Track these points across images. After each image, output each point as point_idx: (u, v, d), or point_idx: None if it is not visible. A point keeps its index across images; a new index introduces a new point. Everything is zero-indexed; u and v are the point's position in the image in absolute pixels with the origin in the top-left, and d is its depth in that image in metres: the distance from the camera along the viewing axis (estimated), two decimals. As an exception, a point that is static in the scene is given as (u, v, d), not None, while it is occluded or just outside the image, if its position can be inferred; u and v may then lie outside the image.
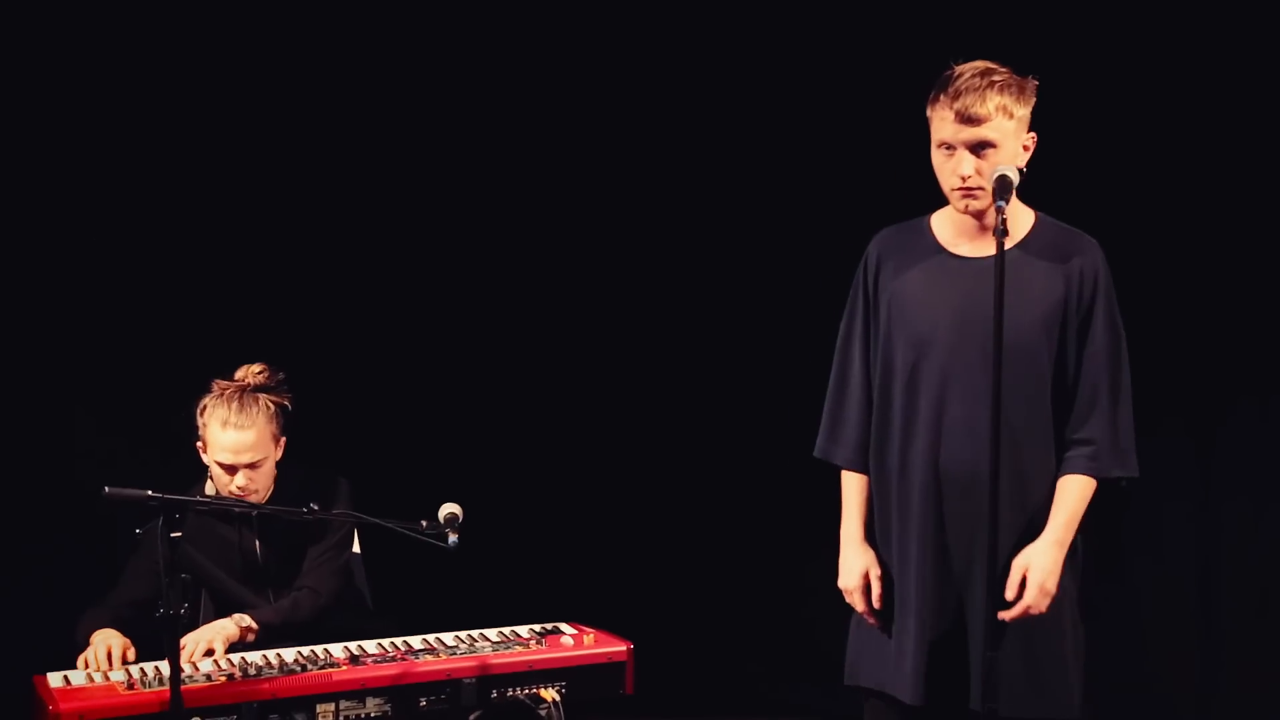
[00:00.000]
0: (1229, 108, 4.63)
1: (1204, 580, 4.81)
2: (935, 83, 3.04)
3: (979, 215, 3.05)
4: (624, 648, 3.57)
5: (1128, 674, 4.85)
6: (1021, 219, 3.10)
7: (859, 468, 3.24)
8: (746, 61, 5.16)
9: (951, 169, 3.00)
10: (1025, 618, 3.00)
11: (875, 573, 3.19)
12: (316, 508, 3.40)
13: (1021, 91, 3.00)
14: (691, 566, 5.34)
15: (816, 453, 3.32)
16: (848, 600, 3.24)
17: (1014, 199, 3.00)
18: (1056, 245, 3.07)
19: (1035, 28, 4.62)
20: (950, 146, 2.99)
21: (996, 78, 2.98)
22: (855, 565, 3.21)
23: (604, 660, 3.54)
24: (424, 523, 3.33)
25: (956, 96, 2.96)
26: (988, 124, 2.96)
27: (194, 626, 3.70)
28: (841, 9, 5.02)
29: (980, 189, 2.99)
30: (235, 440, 3.67)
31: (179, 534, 3.02)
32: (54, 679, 3.29)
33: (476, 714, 3.45)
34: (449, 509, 3.33)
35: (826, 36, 5.08)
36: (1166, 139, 4.68)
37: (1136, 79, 4.69)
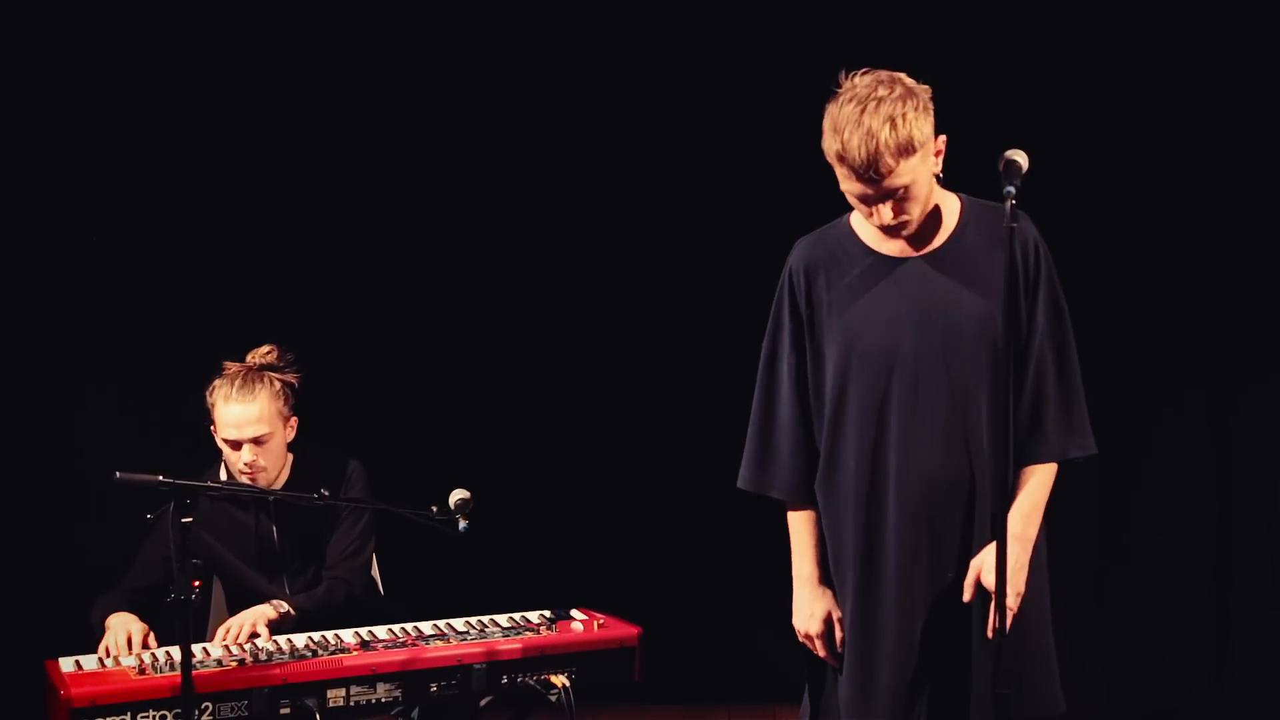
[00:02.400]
0: (1245, 87, 4.62)
1: (1219, 563, 4.81)
2: (824, 117, 2.81)
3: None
4: (634, 633, 3.57)
5: (1141, 658, 4.86)
6: (949, 206, 2.94)
7: (801, 500, 3.04)
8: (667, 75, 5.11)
9: (872, 218, 2.84)
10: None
11: (837, 615, 3.01)
12: (328, 493, 3.40)
13: (915, 111, 2.75)
14: (702, 552, 5.33)
15: (743, 484, 3.13)
16: (806, 644, 3.05)
17: (934, 185, 2.87)
18: (991, 225, 2.85)
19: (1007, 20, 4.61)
20: (863, 199, 2.81)
21: (883, 113, 2.72)
22: (816, 609, 3.01)
23: (614, 646, 3.54)
24: (434, 508, 3.33)
25: (851, 159, 2.74)
26: (893, 175, 2.75)
27: (204, 612, 3.71)
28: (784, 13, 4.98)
29: (907, 220, 2.84)
30: (238, 414, 3.69)
31: (190, 519, 3.02)
32: (65, 664, 3.29)
33: (487, 699, 3.45)
34: (459, 494, 3.33)
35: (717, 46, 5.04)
36: (1184, 118, 4.68)
37: (1151, 54, 4.68)
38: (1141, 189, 4.70)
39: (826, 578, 3.05)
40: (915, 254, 2.93)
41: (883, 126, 2.73)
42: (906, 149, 2.75)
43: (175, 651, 3.19)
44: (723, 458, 5.29)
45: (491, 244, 5.25)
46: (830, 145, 2.79)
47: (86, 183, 4.84)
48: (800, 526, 3.08)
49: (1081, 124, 4.67)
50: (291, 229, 5.01)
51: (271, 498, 3.71)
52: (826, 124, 2.81)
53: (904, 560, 2.91)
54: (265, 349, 3.80)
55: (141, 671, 3.22)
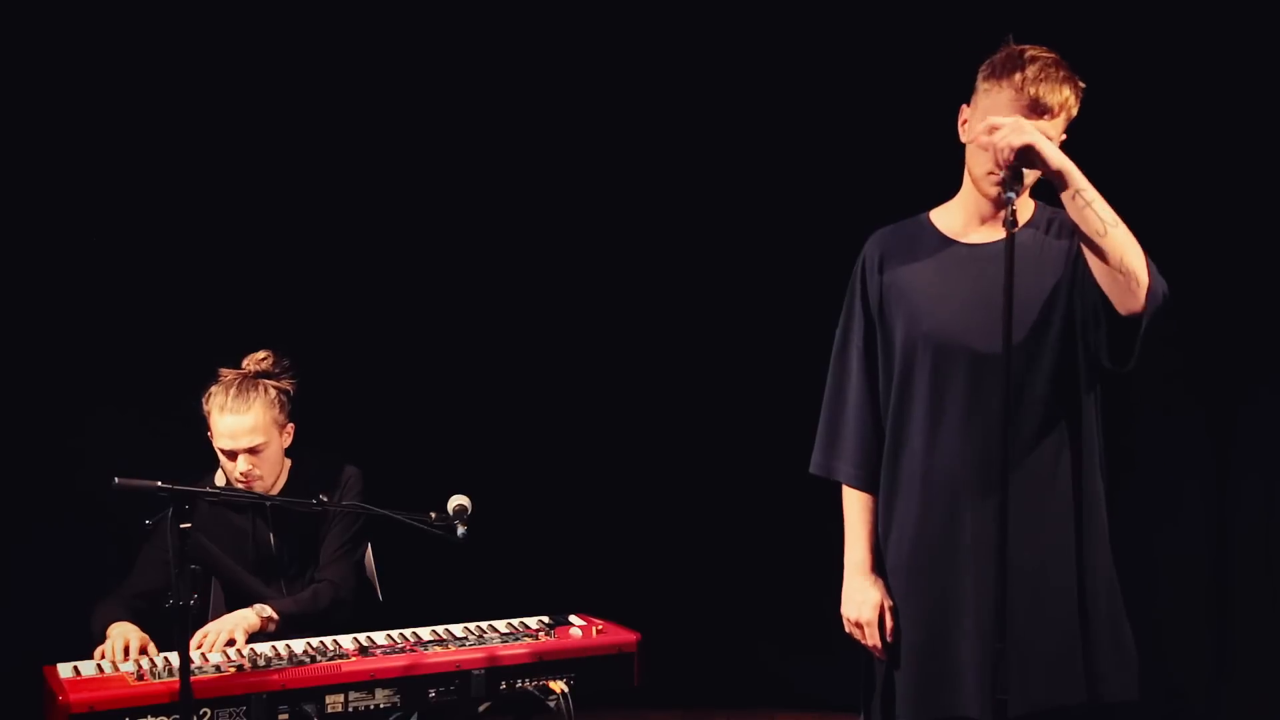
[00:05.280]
0: (1247, 93, 4.63)
1: (1218, 563, 4.81)
2: (998, 56, 2.89)
3: (1001, 202, 2.90)
4: (632, 639, 3.57)
5: (1139, 659, 4.85)
6: (1026, 204, 3.00)
7: (864, 485, 3.08)
8: (740, 67, 5.15)
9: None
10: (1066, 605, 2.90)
11: (889, 605, 3.02)
12: (326, 499, 3.40)
13: (1077, 90, 2.88)
14: (700, 558, 5.33)
15: (814, 469, 3.16)
16: (854, 633, 3.06)
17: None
18: (1060, 224, 2.95)
19: (1030, 23, 4.60)
20: None
21: (1064, 71, 2.86)
22: (868, 597, 3.04)
23: (612, 651, 3.54)
24: (433, 514, 3.33)
25: (1033, 82, 2.81)
26: (1052, 119, 2.83)
27: (203, 617, 3.71)
28: (833, 11, 5.01)
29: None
30: (232, 424, 3.69)
31: (188, 525, 3.02)
32: (64, 669, 3.29)
33: (485, 705, 3.45)
34: (458, 501, 3.33)
35: (814, 39, 5.07)
36: (1187, 123, 4.69)
37: (1151, 64, 4.69)
38: (1140, 188, 4.69)
39: (878, 566, 3.07)
40: (986, 240, 2.96)
41: (1065, 76, 2.86)
42: (1070, 107, 2.86)
43: (174, 657, 3.19)
44: (720, 463, 5.35)
45: (489, 251, 5.27)
46: (1004, 65, 2.87)
47: (87, 188, 4.84)
48: (858, 512, 3.10)
49: (1080, 127, 4.68)
50: (292, 235, 5.02)
51: (269, 503, 3.71)
52: (1001, 56, 2.89)
53: (970, 543, 2.91)
54: (261, 355, 3.80)
55: (140, 677, 3.22)
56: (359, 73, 5.05)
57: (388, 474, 3.98)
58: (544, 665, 3.45)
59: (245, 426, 3.70)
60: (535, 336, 5.29)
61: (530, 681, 3.44)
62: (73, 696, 3.11)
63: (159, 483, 3.01)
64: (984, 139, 2.80)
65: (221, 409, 3.70)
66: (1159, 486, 4.86)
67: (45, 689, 3.22)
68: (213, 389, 3.75)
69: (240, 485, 3.72)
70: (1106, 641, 2.97)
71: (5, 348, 4.73)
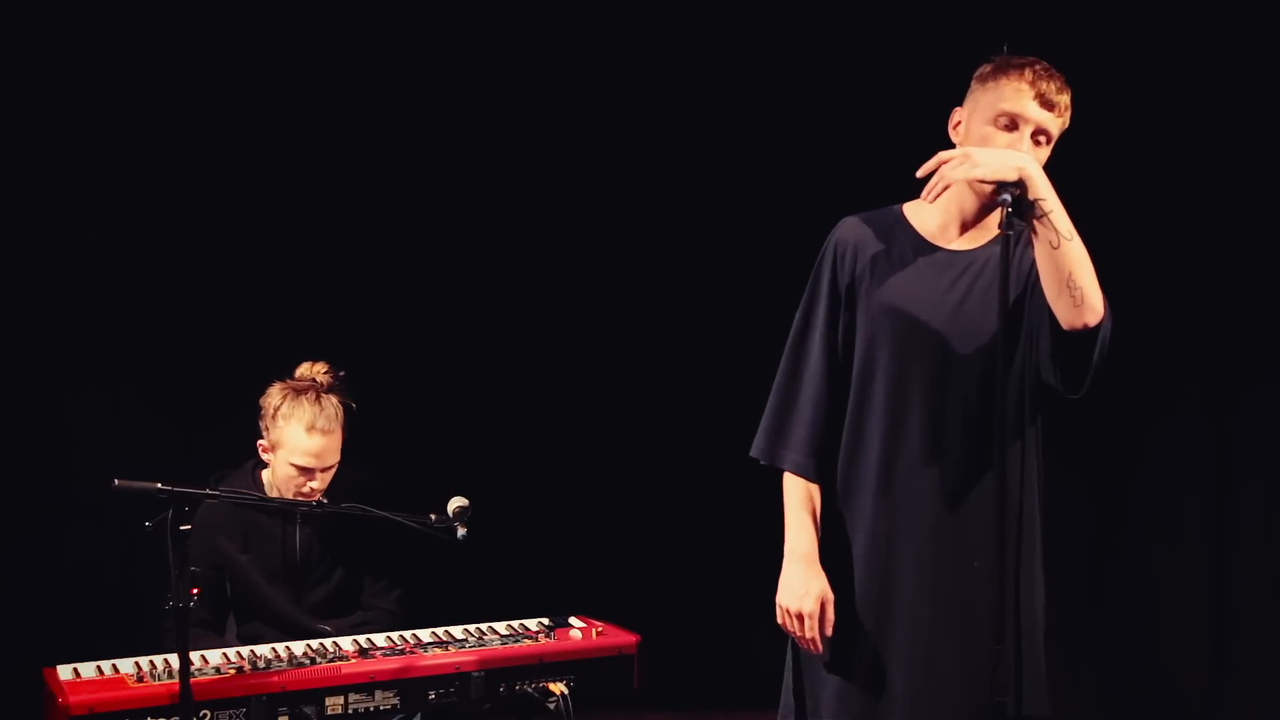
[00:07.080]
0: (1244, 86, 4.63)
1: (1217, 565, 4.81)
2: (998, 60, 2.90)
3: (990, 206, 2.89)
4: (632, 640, 3.57)
5: (1138, 661, 4.86)
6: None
7: (812, 475, 3.01)
8: (700, 60, 5.14)
9: (1006, 144, 2.83)
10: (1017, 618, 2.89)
11: (830, 598, 2.96)
12: (325, 501, 3.39)
13: (1072, 102, 2.91)
14: (700, 559, 5.33)
15: (756, 453, 3.08)
16: (791, 625, 2.98)
17: None
18: (1029, 235, 2.91)
19: (1008, 22, 4.62)
20: (1013, 122, 2.84)
21: (1063, 79, 2.90)
22: (812, 588, 2.95)
23: (612, 653, 3.54)
24: (433, 516, 3.33)
25: (1042, 77, 2.84)
26: (1056, 116, 2.86)
27: (215, 621, 3.70)
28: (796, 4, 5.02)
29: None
30: (321, 445, 3.66)
31: (188, 526, 3.01)
32: (64, 671, 3.28)
33: (485, 707, 3.45)
34: (458, 502, 3.33)
35: (773, 34, 5.07)
36: (1183, 117, 4.69)
37: (1147, 62, 4.69)
38: (1140, 188, 4.70)
39: (821, 558, 3.01)
40: (964, 248, 2.94)
41: (1068, 87, 2.89)
42: (1068, 110, 2.88)
43: (174, 659, 3.18)
44: (720, 465, 5.33)
45: (488, 252, 5.26)
46: (1008, 62, 2.87)
47: (88, 190, 4.83)
48: (803, 500, 3.02)
49: (1079, 124, 4.68)
50: (291, 234, 5.01)
51: (276, 505, 3.70)
52: (1000, 59, 2.90)
53: (925, 547, 2.90)
54: (322, 367, 3.77)
55: (140, 679, 3.22)
56: (366, 79, 5.05)
57: (388, 476, 3.98)
58: (544, 667, 3.45)
59: (333, 448, 3.68)
60: (534, 338, 5.28)
61: (530, 683, 3.44)
62: (72, 698, 3.11)
63: (159, 485, 3.01)
64: (948, 173, 2.76)
65: (310, 428, 3.65)
66: (1159, 489, 4.86)
67: (45, 691, 3.22)
68: (283, 404, 3.68)
69: (301, 497, 3.68)
70: (1031, 656, 2.94)
71: (5, 347, 4.73)
